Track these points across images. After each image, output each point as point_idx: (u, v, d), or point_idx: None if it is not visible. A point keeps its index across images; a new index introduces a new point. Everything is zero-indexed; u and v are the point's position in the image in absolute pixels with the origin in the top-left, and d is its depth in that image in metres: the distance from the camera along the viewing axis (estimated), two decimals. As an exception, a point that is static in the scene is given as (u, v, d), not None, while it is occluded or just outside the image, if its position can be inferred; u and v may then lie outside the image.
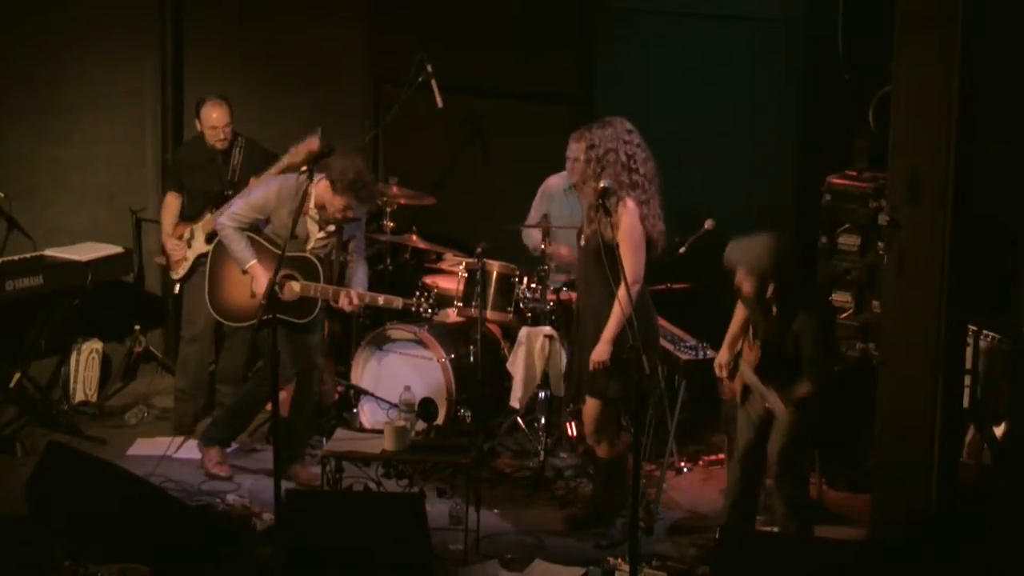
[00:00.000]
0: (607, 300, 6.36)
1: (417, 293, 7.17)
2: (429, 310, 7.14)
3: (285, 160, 7.70)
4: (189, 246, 7.97)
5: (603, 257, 6.26)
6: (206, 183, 7.95)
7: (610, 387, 6.47)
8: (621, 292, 6.13)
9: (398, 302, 7.15)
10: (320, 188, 7.05)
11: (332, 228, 7.16)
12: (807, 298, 6.26)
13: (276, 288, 6.83)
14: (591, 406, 6.59)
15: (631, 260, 6.25)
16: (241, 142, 7.96)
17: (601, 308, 6.40)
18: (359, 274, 7.25)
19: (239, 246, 7.14)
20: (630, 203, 6.36)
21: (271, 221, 7.15)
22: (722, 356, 6.44)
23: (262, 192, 7.20)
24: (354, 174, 6.94)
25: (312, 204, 7.11)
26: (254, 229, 7.20)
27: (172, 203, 8.11)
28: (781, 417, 6.15)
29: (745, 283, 6.17)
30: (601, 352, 6.40)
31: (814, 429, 6.37)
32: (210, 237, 7.76)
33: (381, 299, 7.20)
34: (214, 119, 7.87)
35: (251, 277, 7.15)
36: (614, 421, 6.77)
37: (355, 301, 7.09)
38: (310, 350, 7.30)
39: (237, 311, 7.32)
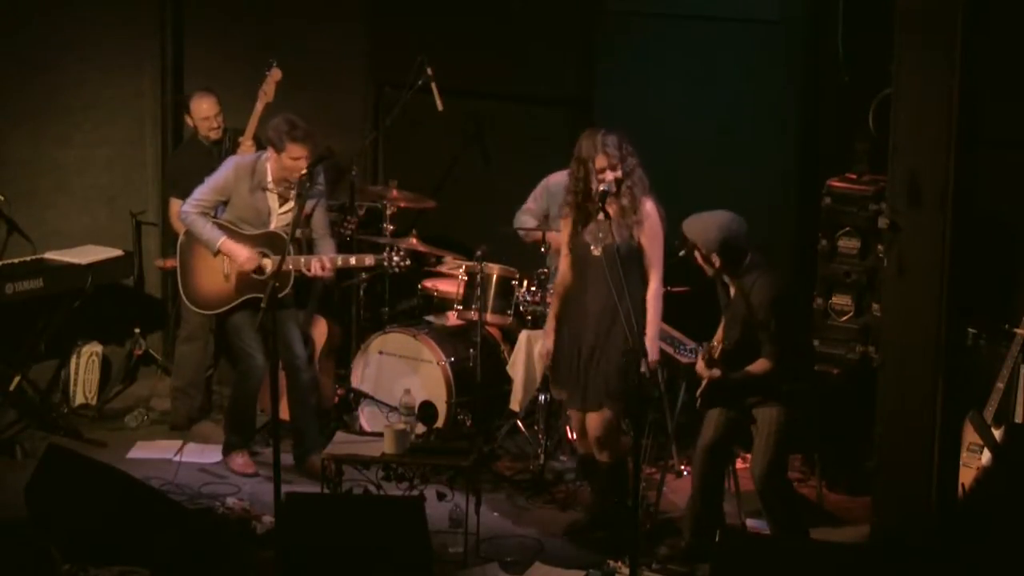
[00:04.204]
0: (640, 304, 6.48)
1: (387, 248, 7.39)
2: (401, 263, 7.34)
3: (259, 104, 7.91)
4: None
5: (634, 261, 6.46)
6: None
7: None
8: (657, 289, 6.48)
9: (369, 259, 7.33)
10: (271, 160, 7.20)
11: (293, 201, 7.17)
12: (764, 277, 6.31)
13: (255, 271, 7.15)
14: (609, 411, 6.58)
15: (662, 259, 6.56)
16: (231, 134, 8.10)
17: (632, 312, 6.32)
18: (327, 246, 7.38)
19: (206, 229, 7.27)
20: (652, 206, 6.56)
21: (231, 202, 7.28)
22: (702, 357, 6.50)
23: (220, 174, 7.35)
24: (282, 122, 7.13)
25: (270, 179, 7.25)
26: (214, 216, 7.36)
27: (179, 209, 8.11)
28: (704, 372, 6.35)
29: (696, 254, 6.38)
30: (657, 351, 6.59)
31: (795, 438, 6.44)
32: None
33: (353, 259, 7.37)
34: (204, 109, 8.01)
35: (224, 256, 7.27)
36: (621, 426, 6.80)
37: (327, 265, 7.24)
38: (290, 328, 7.38)
39: (213, 298, 7.40)
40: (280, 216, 7.31)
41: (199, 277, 7.43)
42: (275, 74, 7.92)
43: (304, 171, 7.03)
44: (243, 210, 7.29)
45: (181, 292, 7.51)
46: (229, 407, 7.66)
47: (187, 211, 7.33)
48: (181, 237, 7.54)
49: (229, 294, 7.34)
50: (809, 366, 6.66)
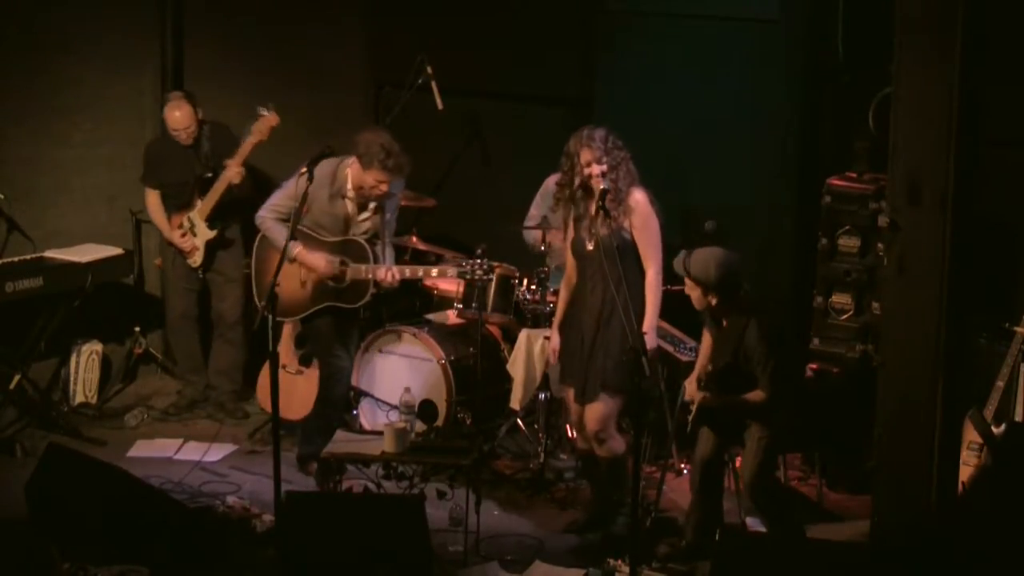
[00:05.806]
0: (639, 295, 6.49)
1: (471, 260, 7.14)
2: (484, 276, 7.14)
3: (252, 139, 7.81)
4: (194, 235, 8.01)
5: (629, 253, 6.46)
6: (183, 174, 8.07)
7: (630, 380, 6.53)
8: (655, 277, 6.48)
9: (452, 271, 7.20)
10: (353, 169, 7.08)
11: (372, 209, 7.16)
12: (755, 313, 6.33)
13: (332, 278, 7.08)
14: (605, 405, 6.59)
15: (659, 247, 6.55)
16: (207, 131, 8.07)
17: (631, 304, 6.38)
18: (386, 253, 7.27)
19: (282, 235, 7.04)
20: (643, 196, 6.55)
21: (310, 208, 7.08)
22: (692, 379, 6.54)
23: (297, 179, 7.14)
24: (379, 147, 6.97)
25: (349, 186, 7.14)
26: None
27: (155, 199, 8.21)
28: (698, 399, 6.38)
29: (692, 291, 6.37)
30: (655, 340, 6.60)
31: (784, 442, 6.48)
32: (210, 222, 7.95)
33: (435, 271, 7.28)
34: (174, 119, 8.01)
35: (300, 264, 7.12)
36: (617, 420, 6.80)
37: (396, 275, 7.10)
38: (353, 339, 7.38)
39: (289, 304, 7.20)
40: (359, 223, 7.20)
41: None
42: (271, 119, 7.77)
43: (384, 191, 7.02)
44: (321, 216, 7.12)
45: (255, 295, 7.40)
46: (314, 413, 7.40)
47: (263, 216, 7.18)
48: (256, 243, 7.41)
49: (305, 301, 7.19)
50: (793, 389, 6.67)
